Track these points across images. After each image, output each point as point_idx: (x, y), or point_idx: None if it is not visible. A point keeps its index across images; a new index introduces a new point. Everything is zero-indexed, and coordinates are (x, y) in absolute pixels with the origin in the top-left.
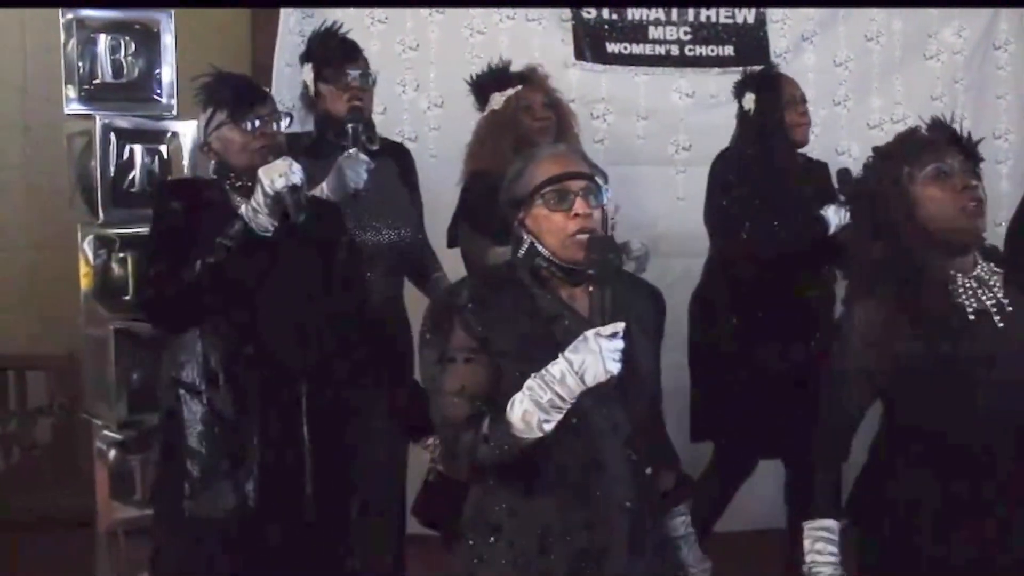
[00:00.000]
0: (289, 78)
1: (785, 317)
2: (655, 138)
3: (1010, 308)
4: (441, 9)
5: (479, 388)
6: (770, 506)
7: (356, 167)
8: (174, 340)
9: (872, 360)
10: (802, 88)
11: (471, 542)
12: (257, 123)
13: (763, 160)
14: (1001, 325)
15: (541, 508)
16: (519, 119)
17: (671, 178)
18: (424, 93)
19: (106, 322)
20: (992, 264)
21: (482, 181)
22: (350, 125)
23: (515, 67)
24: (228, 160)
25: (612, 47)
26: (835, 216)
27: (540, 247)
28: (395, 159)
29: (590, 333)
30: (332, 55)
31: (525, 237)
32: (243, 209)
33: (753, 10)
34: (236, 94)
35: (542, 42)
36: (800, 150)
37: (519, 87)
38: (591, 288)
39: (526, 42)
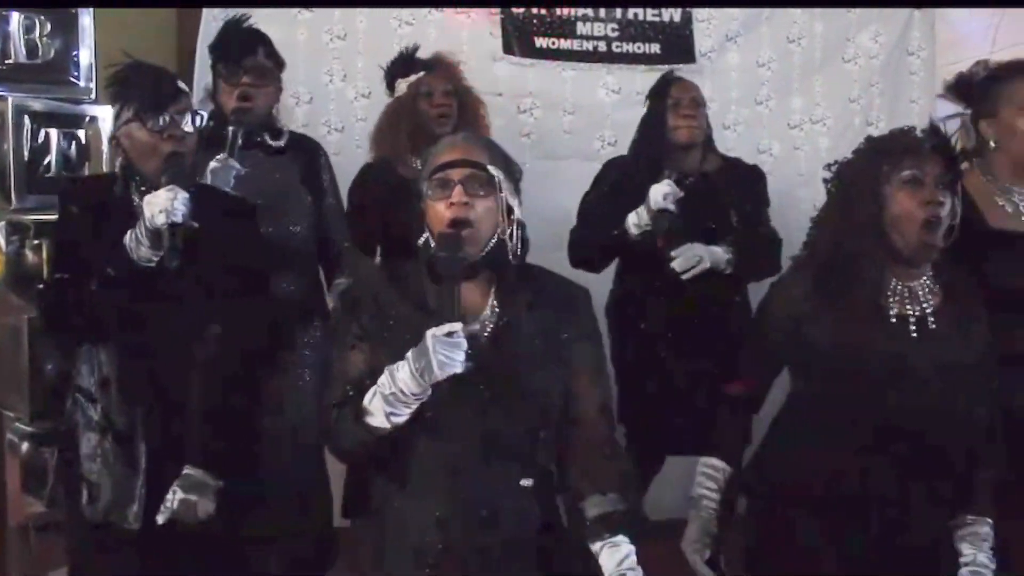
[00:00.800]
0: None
1: (684, 319)
2: (581, 133)
3: (934, 325)
4: None
5: (357, 375)
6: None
7: (224, 174)
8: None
9: (783, 332)
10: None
11: (356, 523)
12: (166, 122)
13: (634, 161)
14: (914, 336)
15: (404, 499)
16: (417, 106)
17: (596, 173)
18: (351, 83)
19: (19, 311)
20: (934, 281)
21: (368, 173)
22: (230, 128)
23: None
24: (134, 160)
25: (540, 41)
26: (634, 218)
27: (431, 239)
28: (300, 156)
29: (428, 332)
30: (227, 48)
31: (424, 230)
32: (127, 238)
33: (679, 9)
34: (147, 89)
35: (471, 35)
36: (731, 154)
37: (422, 73)
38: (492, 287)
39: (455, 35)
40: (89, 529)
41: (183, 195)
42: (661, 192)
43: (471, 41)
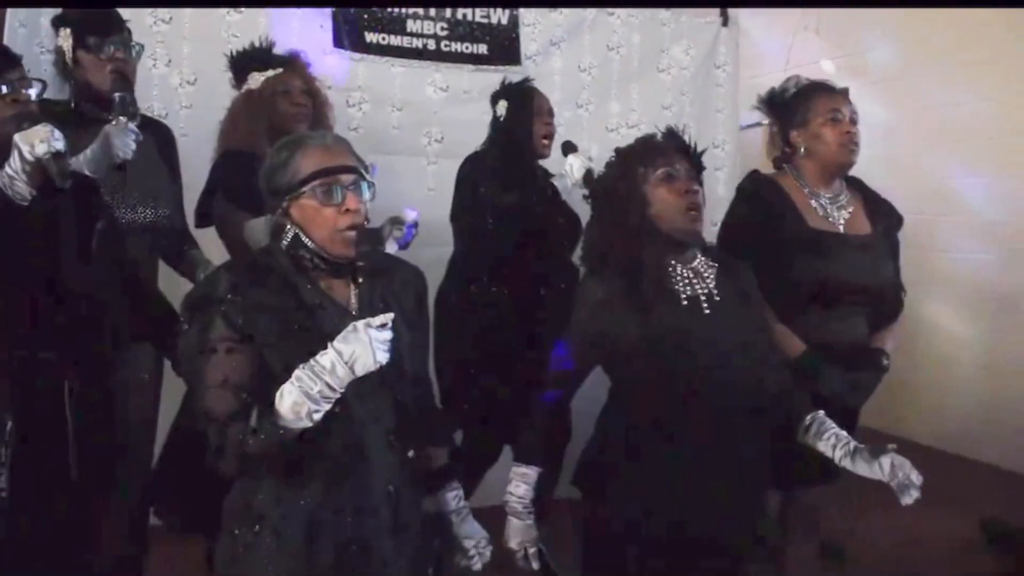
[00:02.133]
0: (24, 39)
1: (523, 314)
2: (409, 129)
3: (718, 298)
4: None
5: (243, 379)
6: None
7: (124, 137)
8: None
9: (594, 330)
10: (550, 91)
11: (235, 531)
12: (7, 89)
13: (509, 165)
14: (707, 312)
15: (306, 497)
16: (276, 102)
17: (423, 169)
18: (176, 69)
19: None
20: (709, 259)
21: (236, 160)
22: (117, 95)
23: (277, 50)
24: None
25: (370, 37)
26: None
27: (305, 239)
28: (155, 136)
29: (360, 324)
30: (96, 23)
31: (289, 227)
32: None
33: (507, 12)
34: None
35: (301, 26)
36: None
37: (279, 70)
38: (359, 279)
39: (285, 25)
40: None
41: (57, 130)
42: (579, 161)
43: (301, 32)
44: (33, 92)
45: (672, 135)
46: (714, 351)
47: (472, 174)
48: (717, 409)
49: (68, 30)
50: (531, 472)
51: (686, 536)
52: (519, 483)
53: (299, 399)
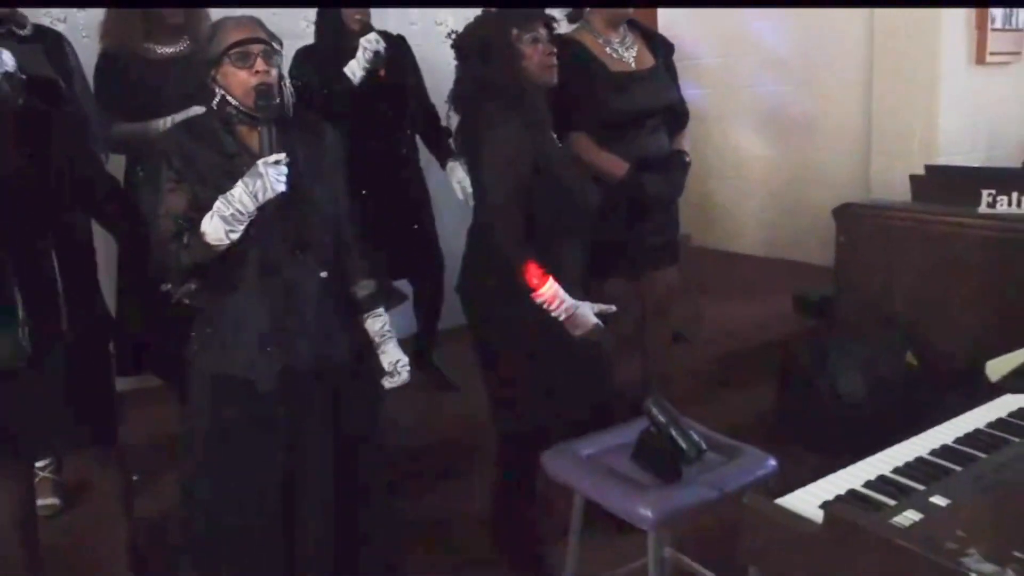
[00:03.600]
0: None
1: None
2: (284, 14)
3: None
4: None
5: (180, 209)
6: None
7: None
8: None
9: (522, 161)
10: None
11: (194, 333)
12: None
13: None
14: (560, 144)
15: (235, 301)
16: None
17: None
18: None
19: None
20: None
21: (112, 62)
22: None
23: None
24: None
25: None
26: (353, 66)
27: (229, 98)
28: (47, 45)
29: (260, 162)
30: None
31: (217, 91)
32: None
33: None
34: None
35: None
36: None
37: None
38: (260, 128)
39: None
40: None
41: (5, 51)
42: (371, 39)
43: None
44: None
45: (533, 5)
46: (574, 173)
47: (303, 65)
48: (578, 214)
49: None
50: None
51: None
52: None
53: (217, 222)
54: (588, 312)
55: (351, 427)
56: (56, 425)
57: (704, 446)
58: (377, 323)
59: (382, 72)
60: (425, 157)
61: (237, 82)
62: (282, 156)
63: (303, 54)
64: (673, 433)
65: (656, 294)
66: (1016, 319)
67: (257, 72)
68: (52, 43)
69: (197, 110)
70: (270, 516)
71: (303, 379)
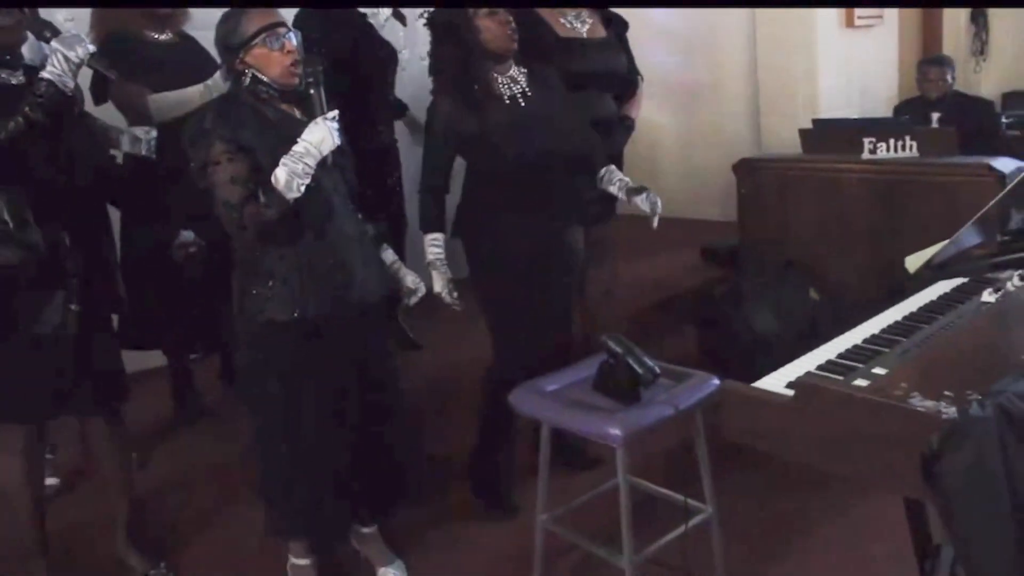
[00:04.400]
0: None
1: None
2: None
3: (530, 94)
4: None
5: (245, 175)
6: None
7: None
8: None
9: (451, 127)
10: None
11: (254, 292)
12: None
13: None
14: (523, 105)
15: (299, 249)
16: None
17: None
18: None
19: None
20: (520, 68)
21: (122, 42)
22: None
23: None
24: None
25: None
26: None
27: (262, 76)
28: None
29: (319, 118)
30: None
31: (247, 72)
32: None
33: None
34: None
35: None
36: None
37: None
38: (311, 92)
39: None
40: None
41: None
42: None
43: None
44: None
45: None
46: (530, 132)
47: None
48: (540, 169)
49: None
50: (439, 236)
51: (533, 260)
52: (431, 246)
53: (289, 176)
54: (437, 277)
55: (384, 363)
56: (73, 390)
57: (658, 370)
58: (389, 255)
59: None
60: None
61: (271, 62)
62: (335, 112)
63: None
64: (630, 361)
65: (595, 246)
66: (900, 251)
67: (289, 52)
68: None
69: (195, 90)
70: (344, 453)
71: (359, 314)
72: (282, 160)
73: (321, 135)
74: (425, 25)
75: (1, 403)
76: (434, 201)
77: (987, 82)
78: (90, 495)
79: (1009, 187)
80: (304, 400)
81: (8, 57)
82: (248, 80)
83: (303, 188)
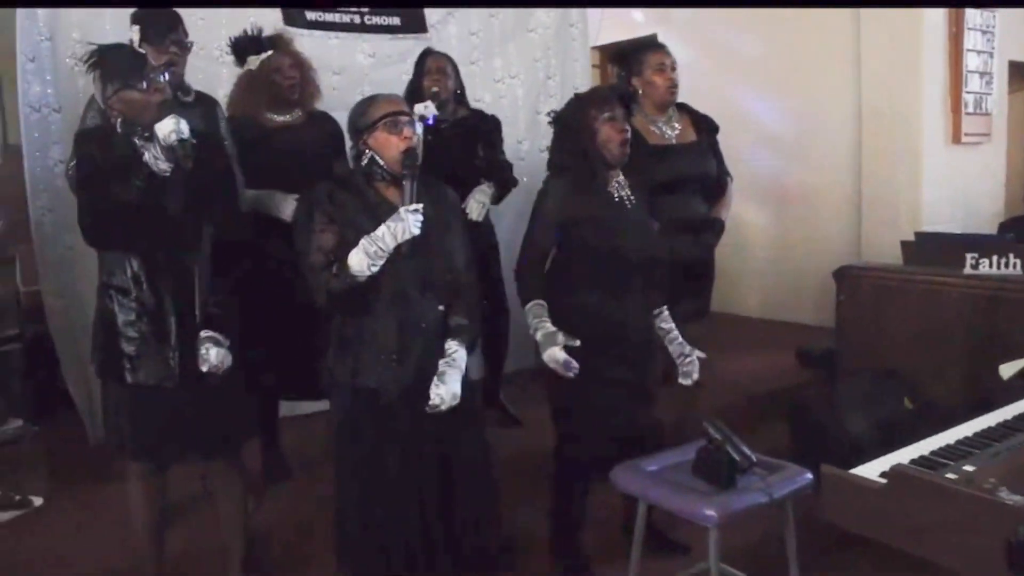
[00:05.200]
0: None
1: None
2: (345, 89)
3: (632, 200)
4: None
5: (329, 246)
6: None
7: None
8: (106, 254)
9: (556, 217)
10: (449, 51)
11: (331, 353)
12: (146, 83)
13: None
14: (628, 207)
15: (368, 324)
16: (271, 78)
17: None
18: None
19: None
20: (623, 176)
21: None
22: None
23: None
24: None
25: (311, 15)
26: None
27: (379, 159)
28: (205, 109)
29: (402, 208)
30: (157, 20)
31: (367, 152)
32: (146, 157)
33: None
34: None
35: (255, 10)
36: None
37: (270, 52)
38: (404, 183)
39: (243, 10)
40: (128, 390)
41: (183, 120)
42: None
43: (256, 14)
44: (164, 78)
45: (615, 89)
46: (634, 233)
47: None
48: (631, 265)
49: (137, 27)
50: (543, 302)
51: (599, 339)
52: (539, 308)
53: (361, 256)
54: (552, 349)
55: (464, 444)
56: (193, 438)
57: (755, 458)
58: (450, 347)
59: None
60: (494, 209)
61: (388, 145)
62: (420, 205)
63: None
64: (728, 448)
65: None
66: (997, 366)
67: (406, 138)
68: (208, 108)
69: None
70: (409, 510)
71: (421, 394)
72: (360, 241)
73: (399, 223)
74: (550, 123)
75: (126, 443)
76: (536, 273)
77: None
78: (210, 525)
79: None
80: (355, 461)
81: (148, 135)
82: (366, 160)
83: (374, 269)
